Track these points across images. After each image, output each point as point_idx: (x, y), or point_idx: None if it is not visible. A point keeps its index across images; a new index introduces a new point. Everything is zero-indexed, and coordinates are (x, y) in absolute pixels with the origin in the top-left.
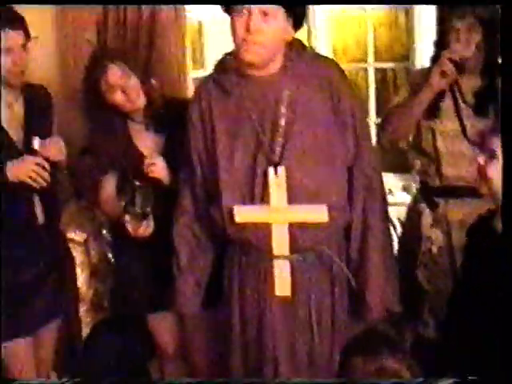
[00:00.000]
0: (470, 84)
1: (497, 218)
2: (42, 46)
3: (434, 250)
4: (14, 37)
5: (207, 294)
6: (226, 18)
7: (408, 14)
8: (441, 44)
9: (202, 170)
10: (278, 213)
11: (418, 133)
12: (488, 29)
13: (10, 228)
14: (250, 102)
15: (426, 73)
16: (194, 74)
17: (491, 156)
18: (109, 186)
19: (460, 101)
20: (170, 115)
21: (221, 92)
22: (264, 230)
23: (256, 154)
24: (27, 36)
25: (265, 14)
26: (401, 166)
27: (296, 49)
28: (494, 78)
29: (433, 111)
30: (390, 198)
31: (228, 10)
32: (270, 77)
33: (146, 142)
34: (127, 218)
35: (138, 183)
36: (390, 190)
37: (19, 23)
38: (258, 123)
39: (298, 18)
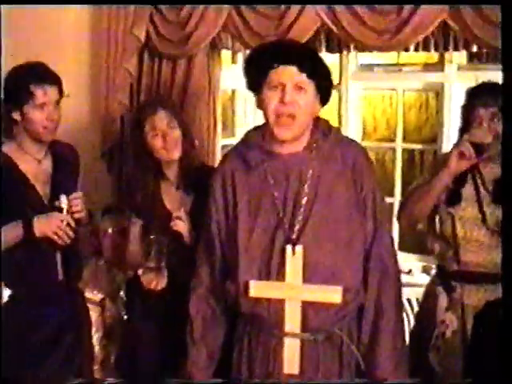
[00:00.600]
0: (492, 172)
1: None
2: (75, 105)
3: (448, 333)
4: (48, 92)
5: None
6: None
7: (438, 97)
8: (464, 130)
9: (221, 242)
10: (293, 290)
11: (438, 218)
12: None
13: (31, 283)
14: (273, 179)
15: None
16: (224, 141)
17: None
18: (133, 236)
19: (481, 188)
20: (198, 179)
21: (245, 166)
22: (277, 306)
23: (275, 231)
24: (61, 93)
25: (299, 87)
26: (422, 248)
27: (322, 128)
28: None
29: (454, 198)
30: (409, 279)
31: (257, 86)
32: (295, 155)
33: (174, 200)
34: (140, 271)
35: (152, 237)
36: (410, 270)
37: (54, 79)
38: (280, 201)
39: (324, 93)
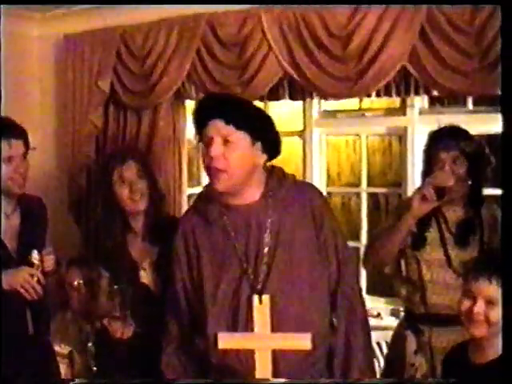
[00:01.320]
0: (455, 215)
1: (471, 349)
2: (42, 158)
3: (418, 376)
4: (15, 146)
5: None
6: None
7: (401, 141)
8: (426, 173)
9: (188, 299)
10: (262, 340)
11: (403, 261)
12: (472, 162)
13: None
14: (233, 231)
15: None
16: (190, 190)
17: (489, 302)
18: (102, 288)
19: (445, 231)
20: (164, 230)
21: (204, 222)
22: (247, 356)
23: (240, 282)
24: (27, 146)
25: (226, 141)
26: (390, 291)
27: (277, 176)
28: (477, 209)
29: (419, 242)
30: (378, 322)
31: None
32: (252, 205)
33: (140, 251)
34: (106, 321)
35: (116, 287)
36: (378, 313)
37: (20, 133)
38: (243, 252)
39: (269, 144)
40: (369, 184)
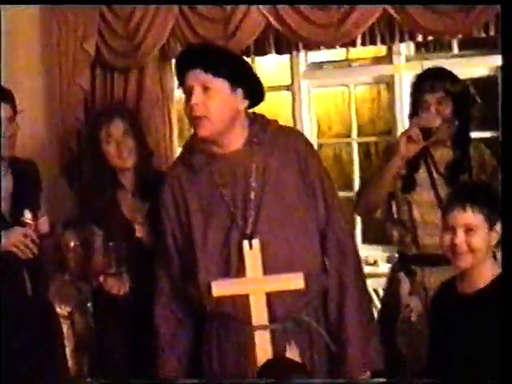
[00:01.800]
0: (443, 156)
1: (459, 282)
2: (31, 121)
3: (413, 317)
4: (2, 109)
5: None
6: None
7: (389, 90)
8: (413, 117)
9: (178, 250)
10: (255, 284)
11: (394, 204)
12: (458, 103)
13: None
14: (219, 179)
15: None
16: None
17: (468, 229)
18: (96, 247)
19: (434, 172)
20: (154, 186)
21: (191, 172)
22: (242, 302)
23: (230, 229)
24: (14, 110)
25: (206, 88)
26: (386, 238)
27: (260, 122)
28: (465, 149)
29: (409, 184)
30: (374, 269)
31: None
32: (237, 152)
33: (131, 207)
34: (102, 278)
35: (110, 244)
36: (375, 261)
37: (6, 97)
38: (230, 198)
39: (251, 90)
40: (359, 134)
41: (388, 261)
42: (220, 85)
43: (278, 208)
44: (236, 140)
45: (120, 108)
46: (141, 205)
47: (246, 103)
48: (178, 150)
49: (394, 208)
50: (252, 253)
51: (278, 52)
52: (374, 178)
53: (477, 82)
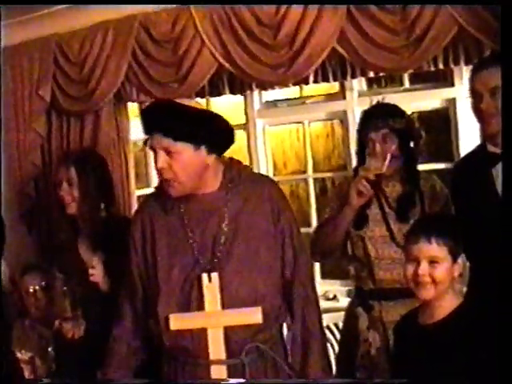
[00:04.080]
0: (394, 190)
1: (421, 313)
2: None
3: (373, 351)
4: None
5: None
6: None
7: (343, 125)
8: (360, 153)
9: (142, 283)
10: (213, 318)
11: (349, 241)
12: (402, 138)
13: None
14: (188, 221)
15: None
16: (139, 192)
17: (432, 261)
18: (58, 291)
19: (386, 207)
20: (113, 231)
21: (162, 209)
22: (200, 335)
23: (193, 268)
24: None
25: (169, 152)
26: (345, 273)
27: (236, 167)
28: (414, 183)
29: (361, 221)
30: (334, 304)
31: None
32: (211, 195)
33: (89, 250)
34: (57, 322)
35: (65, 288)
36: (334, 295)
37: None
38: (196, 241)
39: (215, 144)
40: (315, 170)
41: (348, 295)
42: (181, 148)
43: (245, 250)
44: (211, 184)
45: (70, 154)
46: (98, 248)
47: (212, 157)
48: (135, 193)
49: (349, 244)
50: (211, 286)
51: (232, 92)
52: (328, 228)
53: (429, 114)
